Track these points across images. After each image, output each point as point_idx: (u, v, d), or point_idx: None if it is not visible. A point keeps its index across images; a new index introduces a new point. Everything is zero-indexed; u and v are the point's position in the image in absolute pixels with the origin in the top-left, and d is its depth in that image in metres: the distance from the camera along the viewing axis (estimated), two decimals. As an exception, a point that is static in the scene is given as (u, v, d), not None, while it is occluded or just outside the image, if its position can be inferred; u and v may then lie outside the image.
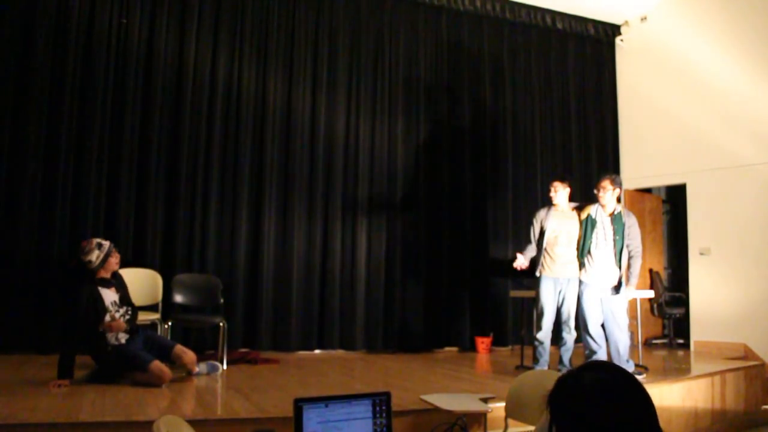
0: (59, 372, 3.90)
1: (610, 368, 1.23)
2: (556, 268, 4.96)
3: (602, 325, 4.90)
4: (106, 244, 4.23)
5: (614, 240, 4.80)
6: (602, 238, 4.83)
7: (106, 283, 4.23)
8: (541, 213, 5.10)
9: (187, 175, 5.86)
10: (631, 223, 4.85)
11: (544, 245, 5.00)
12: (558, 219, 5.01)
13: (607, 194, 4.80)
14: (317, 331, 6.23)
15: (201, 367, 4.50)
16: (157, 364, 4.02)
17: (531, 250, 5.08)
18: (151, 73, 5.82)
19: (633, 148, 7.93)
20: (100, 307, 4.11)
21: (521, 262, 5.03)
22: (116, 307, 4.22)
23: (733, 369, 5.45)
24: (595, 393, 1.17)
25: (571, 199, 5.16)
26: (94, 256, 4.15)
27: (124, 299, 4.33)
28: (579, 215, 4.97)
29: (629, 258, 4.85)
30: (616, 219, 4.82)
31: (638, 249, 4.84)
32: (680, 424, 4.62)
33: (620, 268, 4.82)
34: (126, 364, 4.10)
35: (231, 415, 3.38)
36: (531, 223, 5.14)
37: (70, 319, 4.12)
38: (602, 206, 4.86)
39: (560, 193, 5.05)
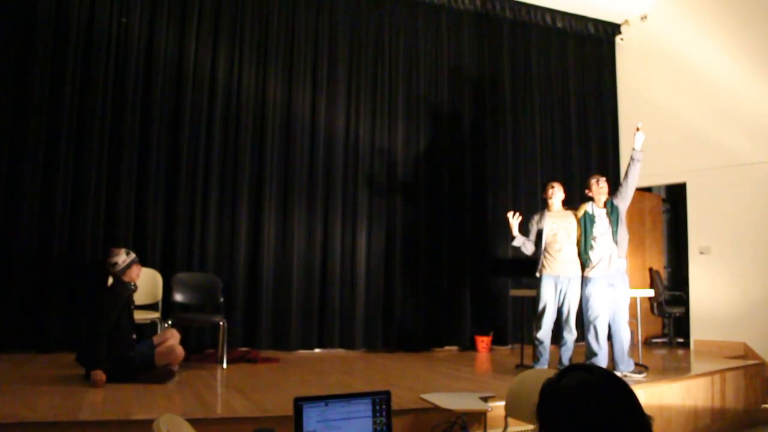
0: (97, 362, 3.92)
1: (589, 369, 1.25)
2: (557, 266, 4.97)
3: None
4: (133, 254, 4.47)
5: (610, 222, 4.90)
6: (601, 231, 4.90)
7: (132, 289, 4.41)
8: (536, 217, 5.17)
9: (187, 174, 5.86)
10: (618, 196, 4.97)
11: (543, 245, 5.02)
12: (553, 218, 5.06)
13: (603, 186, 4.95)
14: (317, 330, 6.24)
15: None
16: (161, 350, 4.20)
17: (528, 243, 5.10)
18: (151, 73, 5.82)
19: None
20: (130, 312, 4.31)
21: (515, 231, 5.07)
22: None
23: (733, 368, 5.46)
24: (578, 394, 1.18)
25: (569, 201, 5.21)
26: (120, 260, 4.36)
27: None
28: (575, 214, 5.02)
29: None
30: (608, 203, 4.94)
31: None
32: (680, 423, 4.63)
33: (617, 243, 4.88)
34: (137, 369, 4.16)
35: (231, 413, 3.39)
36: (527, 227, 5.17)
37: (106, 312, 4.14)
38: (596, 201, 4.96)
39: (557, 194, 5.10)
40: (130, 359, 4.14)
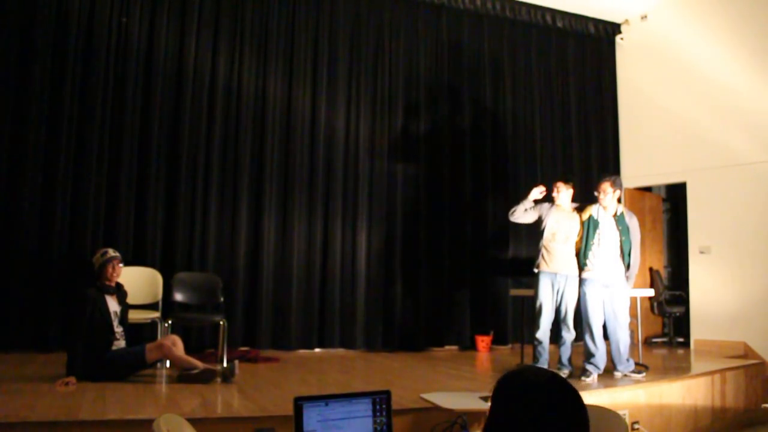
0: (67, 370, 3.93)
1: (541, 372, 1.31)
2: (554, 263, 4.96)
3: (603, 325, 4.89)
4: (110, 252, 4.37)
5: (621, 241, 4.79)
6: (605, 237, 4.82)
7: (108, 289, 4.32)
8: (545, 206, 5.09)
9: (187, 174, 5.86)
10: (634, 226, 4.86)
11: (542, 241, 5.01)
12: (558, 217, 5.02)
13: (608, 197, 4.79)
14: (317, 329, 6.24)
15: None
16: (151, 345, 4.21)
17: (524, 212, 5.05)
18: (151, 73, 5.82)
19: (633, 146, 7.93)
20: (104, 310, 4.22)
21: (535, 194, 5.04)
22: (116, 321, 4.29)
23: (733, 367, 5.46)
24: (526, 395, 1.24)
25: (573, 198, 5.16)
26: (95, 260, 4.35)
27: (124, 317, 4.39)
28: (580, 216, 4.96)
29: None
30: (620, 220, 4.82)
31: (637, 252, 4.86)
32: (680, 423, 4.63)
33: (628, 267, 4.81)
34: (125, 366, 4.16)
35: (231, 413, 3.39)
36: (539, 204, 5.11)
37: (76, 318, 4.16)
38: (603, 208, 4.85)
39: (563, 193, 5.06)
40: (107, 360, 4.10)
